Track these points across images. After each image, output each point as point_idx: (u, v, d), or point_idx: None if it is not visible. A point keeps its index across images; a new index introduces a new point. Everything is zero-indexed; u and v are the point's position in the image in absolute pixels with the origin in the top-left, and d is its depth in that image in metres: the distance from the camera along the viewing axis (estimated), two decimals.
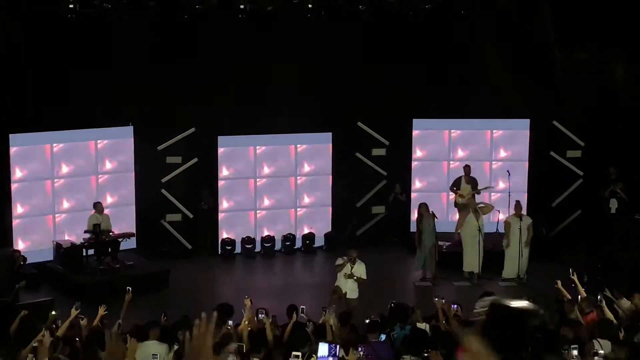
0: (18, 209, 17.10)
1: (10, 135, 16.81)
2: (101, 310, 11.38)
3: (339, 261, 14.39)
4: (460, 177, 18.67)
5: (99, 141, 17.94)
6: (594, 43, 19.72)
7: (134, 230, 17.77)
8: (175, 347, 9.98)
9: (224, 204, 18.89)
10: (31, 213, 17.29)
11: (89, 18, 17.73)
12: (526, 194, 19.13)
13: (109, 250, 16.84)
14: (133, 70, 18.14)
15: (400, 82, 19.43)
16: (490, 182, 19.02)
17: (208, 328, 3.76)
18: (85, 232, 16.67)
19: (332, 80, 19.27)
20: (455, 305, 11.77)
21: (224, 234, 18.86)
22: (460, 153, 19.67)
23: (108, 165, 18.11)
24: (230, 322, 10.72)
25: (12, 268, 15.14)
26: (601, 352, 9.27)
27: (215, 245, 18.88)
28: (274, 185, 19.25)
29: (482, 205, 17.69)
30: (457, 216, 18.75)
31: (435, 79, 19.64)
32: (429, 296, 13.20)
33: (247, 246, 18.92)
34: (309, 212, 19.53)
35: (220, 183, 18.81)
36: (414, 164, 19.75)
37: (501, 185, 19.01)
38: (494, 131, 19.69)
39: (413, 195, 19.66)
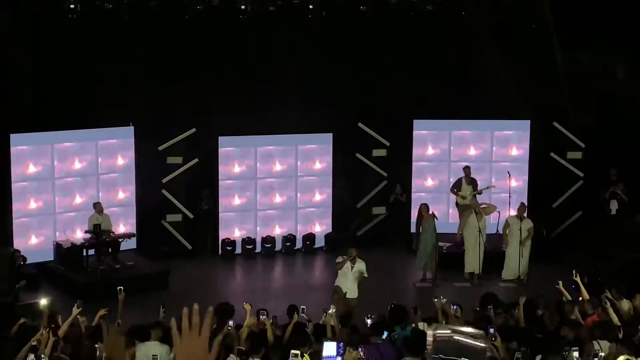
0: (18, 209, 17.09)
1: (11, 135, 16.80)
2: (101, 312, 11.37)
3: (339, 259, 14.41)
4: (460, 179, 18.68)
5: (99, 141, 17.92)
6: (595, 44, 19.74)
7: (134, 231, 17.77)
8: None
9: (224, 205, 18.88)
10: (32, 213, 17.28)
11: (90, 18, 17.71)
12: (527, 195, 19.13)
13: (110, 250, 16.85)
14: (134, 71, 18.14)
15: (401, 82, 19.44)
16: (491, 182, 19.03)
17: (203, 326, 3.69)
18: (86, 232, 16.68)
19: (333, 81, 19.27)
20: (455, 306, 11.75)
21: (224, 235, 18.85)
22: (461, 154, 19.65)
23: (109, 166, 18.09)
24: (230, 323, 10.70)
25: (12, 268, 15.13)
26: (601, 354, 9.26)
27: (215, 246, 18.87)
28: (274, 185, 19.24)
29: (485, 205, 17.69)
30: (458, 217, 18.77)
31: (436, 79, 19.65)
32: (429, 297, 13.19)
33: (248, 247, 18.91)
34: (310, 212, 19.53)
35: (221, 183, 18.80)
36: (414, 164, 19.75)
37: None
38: (495, 132, 19.68)
39: (414, 195, 19.67)
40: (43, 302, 11.47)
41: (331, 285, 14.79)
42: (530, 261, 17.13)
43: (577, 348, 8.91)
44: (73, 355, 9.86)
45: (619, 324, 10.80)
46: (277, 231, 19.22)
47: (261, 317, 11.38)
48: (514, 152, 19.61)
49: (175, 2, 18.24)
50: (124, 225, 18.02)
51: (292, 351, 8.61)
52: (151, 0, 17.96)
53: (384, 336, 10.57)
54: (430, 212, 17.07)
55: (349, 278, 14.25)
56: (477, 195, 18.37)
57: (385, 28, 19.61)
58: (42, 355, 9.04)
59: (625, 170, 19.08)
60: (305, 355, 9.14)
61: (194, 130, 18.64)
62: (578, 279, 12.54)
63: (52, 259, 17.01)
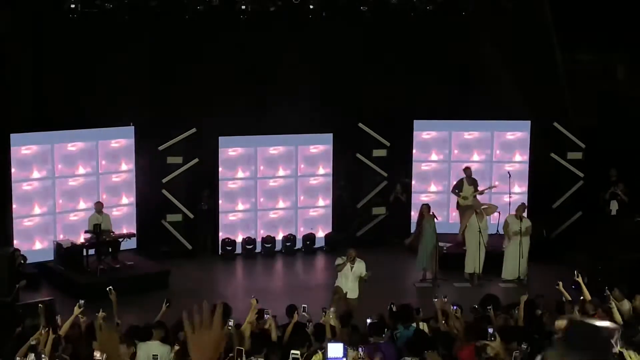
0: (18, 209, 17.09)
1: (11, 135, 16.80)
2: (100, 316, 11.36)
3: (339, 261, 14.40)
4: (461, 179, 18.67)
5: (100, 141, 17.92)
6: (595, 45, 19.75)
7: (134, 230, 17.77)
8: (176, 347, 9.97)
9: (224, 205, 18.88)
10: (32, 213, 17.28)
11: (91, 18, 17.72)
12: (527, 196, 19.13)
13: (110, 250, 16.85)
14: (134, 70, 18.14)
15: (401, 83, 19.45)
16: (492, 182, 19.04)
17: (215, 318, 3.71)
18: (86, 232, 16.68)
19: (333, 81, 19.29)
20: (455, 307, 11.75)
21: (224, 235, 18.86)
22: (461, 154, 19.66)
23: (108, 165, 18.10)
24: (230, 322, 10.69)
25: (12, 268, 15.13)
26: None
27: (215, 246, 18.88)
28: (274, 185, 19.24)
29: (486, 206, 17.71)
30: (458, 218, 18.78)
31: (436, 80, 19.66)
32: (429, 297, 13.19)
33: (248, 247, 18.92)
34: (309, 212, 19.53)
35: (221, 184, 18.80)
36: (414, 164, 19.75)
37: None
38: (495, 132, 19.68)
39: (413, 195, 19.69)
40: (40, 306, 11.48)
41: (331, 285, 14.79)
42: (530, 261, 17.13)
43: None
44: (74, 355, 9.86)
45: (621, 323, 10.80)
46: (278, 229, 19.24)
47: (266, 315, 11.38)
48: (517, 157, 19.60)
49: (175, 2, 18.25)
50: (123, 225, 17.99)
51: (292, 352, 8.62)
52: (151, 0, 17.96)
53: (384, 336, 10.57)
54: (431, 213, 17.07)
55: (350, 278, 14.26)
56: (478, 196, 18.39)
57: (385, 28, 19.61)
58: (43, 355, 9.04)
59: (625, 170, 19.08)
60: (319, 353, 9.12)
61: (194, 130, 18.63)
62: (580, 279, 12.53)
63: (52, 258, 17.01)
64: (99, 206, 17.00)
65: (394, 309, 12.05)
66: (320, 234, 19.43)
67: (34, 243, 17.20)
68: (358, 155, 19.73)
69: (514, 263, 16.99)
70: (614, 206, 18.71)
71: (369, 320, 11.28)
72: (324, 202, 19.55)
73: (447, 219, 19.34)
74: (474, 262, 17.05)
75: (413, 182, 19.80)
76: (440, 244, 17.49)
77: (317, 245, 19.35)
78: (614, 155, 19.21)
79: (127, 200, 18.34)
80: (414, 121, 19.53)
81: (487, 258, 17.04)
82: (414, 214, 18.83)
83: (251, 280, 17.86)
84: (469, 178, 18.60)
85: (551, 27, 19.66)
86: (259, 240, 19.04)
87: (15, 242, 16.76)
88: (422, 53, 19.59)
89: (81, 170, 17.77)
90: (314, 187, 19.49)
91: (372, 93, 19.52)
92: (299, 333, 10.55)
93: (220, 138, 18.60)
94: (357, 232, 19.69)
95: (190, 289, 16.53)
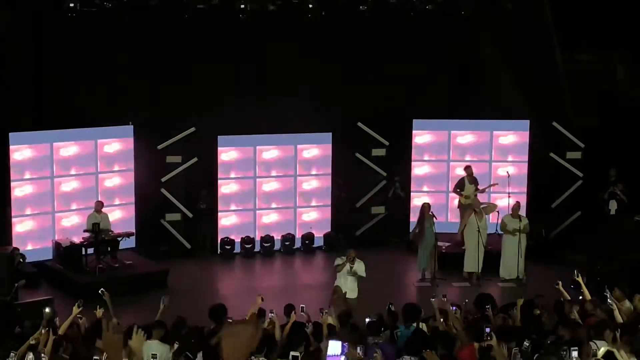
0: (18, 208, 17.09)
1: (10, 134, 16.80)
2: (98, 313, 11.36)
3: (338, 261, 14.39)
4: (463, 178, 18.65)
5: (98, 140, 17.92)
6: (595, 45, 19.75)
7: (133, 230, 17.77)
8: (175, 346, 9.96)
9: (223, 204, 18.88)
10: (31, 212, 17.27)
11: (90, 17, 17.72)
12: (526, 195, 19.13)
13: (109, 249, 16.84)
14: (134, 70, 18.13)
15: (401, 82, 19.45)
16: (491, 181, 19.04)
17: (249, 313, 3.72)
18: (85, 231, 16.67)
19: (332, 80, 19.28)
20: (455, 307, 11.73)
21: (223, 234, 18.86)
22: (461, 154, 19.66)
23: (108, 165, 18.10)
24: (230, 321, 10.68)
25: (11, 267, 15.12)
26: (600, 352, 9.25)
27: (214, 245, 18.87)
28: (273, 185, 19.24)
29: (485, 205, 17.72)
30: (459, 217, 18.79)
31: (436, 79, 19.67)
32: (428, 296, 13.17)
33: (247, 246, 18.92)
34: (309, 212, 19.53)
35: (220, 183, 18.80)
36: (414, 164, 19.75)
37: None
38: (494, 132, 19.67)
39: (413, 195, 19.70)
40: (47, 310, 11.45)
41: (330, 284, 14.79)
42: (529, 261, 17.13)
43: (576, 348, 8.89)
44: (73, 355, 9.85)
45: (621, 321, 10.80)
46: (277, 229, 19.25)
47: (270, 315, 11.37)
48: (514, 152, 19.59)
49: (175, 1, 18.24)
50: (122, 225, 17.98)
51: (292, 353, 8.60)
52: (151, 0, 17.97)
53: (382, 335, 10.56)
54: (430, 212, 17.07)
55: (349, 278, 14.25)
56: (479, 195, 18.39)
57: (385, 28, 19.61)
58: (43, 355, 9.03)
59: (624, 170, 19.08)
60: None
61: (193, 129, 18.64)
62: (580, 279, 12.52)
63: (51, 257, 17.00)
64: (98, 205, 16.99)
65: (392, 308, 12.05)
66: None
67: (32, 242, 17.18)
68: (357, 154, 19.73)
69: (512, 262, 16.98)
70: (613, 206, 18.71)
71: (367, 320, 11.28)
72: (322, 202, 19.53)
73: (447, 218, 19.33)
74: (473, 261, 17.05)
75: (412, 182, 19.79)
76: (439, 243, 17.50)
77: (316, 244, 19.35)
78: (613, 155, 19.21)
79: (126, 199, 18.31)
80: (413, 121, 19.53)
81: (486, 257, 17.04)
82: (413, 214, 18.84)
83: (250, 279, 17.84)
84: (470, 177, 18.58)
85: (551, 27, 19.67)
86: (257, 239, 19.04)
87: (14, 241, 16.75)
88: (421, 53, 19.59)
89: (80, 169, 17.76)
90: (312, 187, 19.47)
91: (372, 92, 19.52)
92: (296, 333, 10.53)
93: (219, 137, 18.60)
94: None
95: (189, 288, 16.56)
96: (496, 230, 18.04)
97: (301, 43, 19.14)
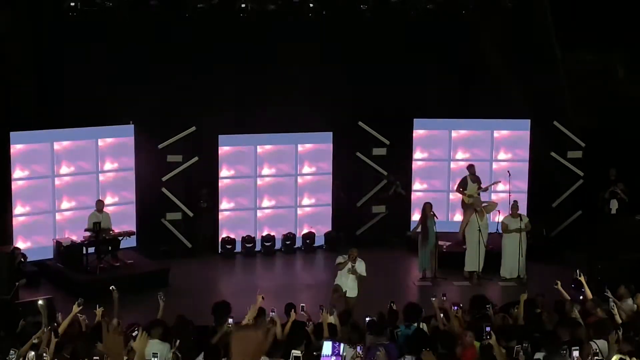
0: (18, 207, 17.11)
1: (11, 133, 16.81)
2: (99, 311, 11.38)
3: (340, 259, 14.40)
4: (465, 177, 18.64)
5: (99, 139, 17.93)
6: (595, 44, 19.74)
7: (134, 229, 17.78)
8: (177, 343, 9.97)
9: (224, 204, 18.90)
10: (32, 211, 17.28)
11: (91, 16, 17.72)
12: (527, 195, 19.14)
13: (109, 248, 16.85)
14: (134, 69, 18.14)
15: (401, 81, 19.44)
16: (492, 179, 19.03)
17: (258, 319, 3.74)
18: (86, 230, 16.68)
19: (333, 80, 19.27)
20: (456, 307, 11.73)
21: (224, 233, 18.87)
22: (461, 153, 19.67)
23: (109, 164, 18.11)
24: (230, 321, 10.70)
25: (12, 266, 15.13)
26: (599, 353, 9.26)
27: (215, 244, 18.88)
28: (274, 184, 19.26)
29: (486, 204, 17.74)
30: (459, 216, 18.81)
31: (436, 78, 19.66)
32: (428, 295, 13.19)
33: (248, 245, 18.93)
34: (309, 211, 19.54)
35: (221, 182, 18.82)
36: (415, 164, 19.75)
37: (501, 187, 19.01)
38: (495, 131, 19.68)
39: (414, 194, 19.71)
40: (40, 302, 11.47)
41: (331, 284, 14.79)
42: (530, 260, 17.13)
43: (577, 347, 8.91)
44: (73, 354, 9.86)
45: (620, 322, 10.80)
46: (278, 228, 19.25)
47: (272, 313, 11.39)
48: (514, 151, 19.59)
49: (176, 0, 18.26)
50: (123, 224, 17.99)
51: (294, 351, 8.62)
52: None
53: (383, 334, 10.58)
54: (431, 212, 17.08)
55: (350, 277, 14.26)
56: (481, 193, 18.39)
57: (385, 27, 19.61)
58: (45, 354, 9.04)
59: (625, 169, 19.09)
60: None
61: (193, 128, 18.64)
62: (582, 278, 12.53)
63: (52, 257, 17.01)
64: (99, 205, 17.00)
65: (394, 307, 12.06)
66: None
67: (33, 241, 17.19)
68: (358, 154, 19.74)
69: (512, 261, 16.99)
70: (613, 205, 18.72)
71: (367, 319, 11.30)
72: (323, 201, 19.54)
73: (447, 217, 19.34)
74: (473, 261, 17.05)
75: (413, 181, 19.80)
76: (440, 242, 17.51)
77: (316, 243, 19.35)
78: (614, 155, 19.21)
79: (127, 198, 18.33)
80: (414, 120, 19.53)
81: (486, 257, 17.04)
82: (414, 213, 18.86)
83: (251, 278, 17.84)
84: (473, 175, 18.57)
85: (551, 27, 19.66)
86: (258, 238, 19.05)
87: (14, 240, 16.76)
88: (422, 52, 19.58)
89: (81, 168, 17.77)
90: (313, 186, 19.49)
91: (372, 92, 19.51)
92: (297, 332, 10.54)
93: (219, 136, 18.61)
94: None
95: (190, 288, 16.57)
96: (497, 229, 18.05)
97: (302, 42, 19.13)
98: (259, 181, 19.12)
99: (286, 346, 9.50)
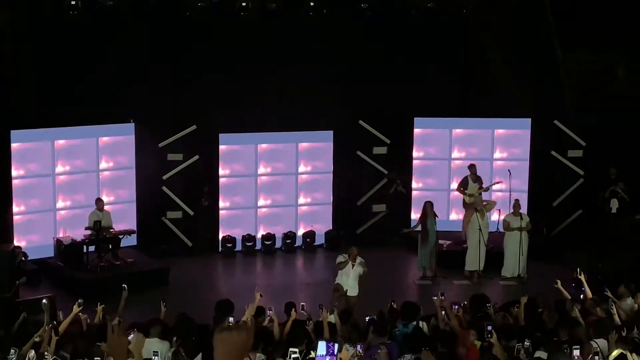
0: (19, 206, 17.11)
1: (12, 132, 16.81)
2: (100, 309, 11.39)
3: (341, 259, 14.40)
4: (466, 177, 18.63)
5: (100, 138, 17.94)
6: (596, 43, 19.74)
7: (134, 227, 17.78)
8: (178, 342, 9.98)
9: (224, 202, 18.91)
10: (32, 210, 17.29)
11: (91, 14, 17.73)
12: (527, 194, 19.15)
13: (110, 247, 16.86)
14: (135, 67, 18.15)
15: (402, 80, 19.45)
16: (492, 179, 19.04)
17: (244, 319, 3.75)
18: (86, 229, 16.69)
19: (334, 79, 19.28)
20: (457, 306, 11.74)
21: (224, 232, 18.88)
22: (462, 152, 19.67)
23: (109, 162, 18.12)
24: (231, 319, 10.71)
25: (13, 264, 15.14)
26: (612, 355, 9.27)
27: (215, 243, 18.89)
28: (274, 183, 19.27)
29: (485, 202, 17.75)
30: (459, 215, 18.80)
31: (437, 77, 19.67)
32: (429, 294, 13.20)
33: (248, 244, 18.94)
34: (310, 210, 19.55)
35: (222, 181, 18.82)
36: (415, 162, 19.76)
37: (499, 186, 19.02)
38: (495, 130, 19.68)
39: (415, 193, 19.72)
40: (44, 301, 11.47)
41: (331, 282, 14.80)
42: (530, 259, 17.14)
43: (578, 346, 8.92)
44: (74, 352, 9.87)
45: (619, 324, 10.81)
46: (278, 227, 19.26)
47: (269, 312, 11.40)
48: (515, 150, 19.60)
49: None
50: (124, 222, 18.00)
51: (291, 349, 8.61)
52: None
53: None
54: (432, 211, 17.07)
55: (350, 276, 14.28)
56: (482, 193, 18.41)
57: (386, 25, 19.62)
58: (46, 353, 9.05)
59: (625, 169, 19.10)
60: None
61: (194, 127, 18.65)
62: (582, 277, 12.54)
63: (52, 255, 17.02)
64: (100, 203, 17.01)
65: (395, 306, 12.07)
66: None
67: (33, 239, 17.20)
68: (358, 152, 19.75)
69: (514, 260, 17.00)
70: (614, 204, 18.73)
71: (367, 318, 11.31)
72: (323, 200, 19.55)
73: (447, 216, 19.35)
74: (474, 260, 17.06)
75: (413, 180, 19.81)
76: (440, 241, 17.52)
77: (317, 242, 19.37)
78: (614, 154, 19.22)
79: (128, 197, 18.33)
80: (415, 119, 19.54)
81: (487, 256, 17.05)
82: (414, 212, 18.87)
83: (251, 277, 17.85)
84: (474, 175, 18.58)
85: (551, 26, 19.67)
86: (258, 237, 19.06)
87: (15, 238, 16.77)
88: (423, 51, 19.59)
89: (81, 167, 17.78)
90: (313, 185, 19.50)
91: (373, 91, 19.52)
92: (297, 331, 10.55)
93: (220, 135, 18.62)
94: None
95: (190, 286, 16.57)
96: (497, 228, 18.06)
97: (302, 41, 19.14)
98: (259, 179, 19.12)
99: (286, 345, 9.50)
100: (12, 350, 8.75)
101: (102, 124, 17.93)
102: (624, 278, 13.21)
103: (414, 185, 19.86)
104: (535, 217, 17.96)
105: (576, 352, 8.80)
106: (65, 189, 17.62)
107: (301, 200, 19.50)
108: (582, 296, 12.38)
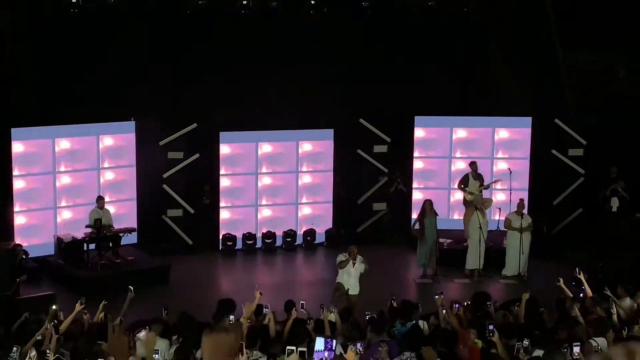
0: (19, 204, 17.12)
1: (13, 130, 16.82)
2: (102, 306, 11.40)
3: (341, 257, 14.40)
4: (467, 175, 18.64)
5: (101, 136, 17.94)
6: (596, 43, 19.76)
7: (135, 225, 17.80)
8: (176, 341, 9.99)
9: (225, 201, 18.92)
10: (32, 208, 17.30)
11: (92, 13, 17.74)
12: (528, 192, 19.15)
13: (110, 245, 16.87)
14: (135, 65, 18.16)
15: (402, 79, 19.47)
16: (492, 177, 19.04)
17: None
18: (87, 226, 16.69)
19: (334, 77, 19.30)
20: (457, 305, 11.76)
21: (224, 230, 18.89)
22: (462, 151, 19.67)
23: (110, 161, 18.12)
24: (231, 317, 10.73)
25: (14, 262, 15.16)
26: (600, 350, 9.29)
27: (216, 241, 18.90)
28: (275, 181, 19.27)
29: (483, 200, 17.77)
30: (460, 214, 18.81)
31: (437, 76, 19.68)
32: (429, 293, 13.22)
33: (248, 242, 18.95)
34: (310, 208, 19.56)
35: (222, 179, 18.83)
36: (415, 161, 19.77)
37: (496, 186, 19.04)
38: (496, 129, 19.68)
39: (415, 191, 19.73)
40: (54, 307, 11.48)
41: (332, 281, 14.81)
42: (531, 258, 17.16)
43: (578, 344, 8.94)
44: (74, 350, 9.88)
45: (618, 325, 10.82)
46: (279, 225, 19.27)
47: (265, 310, 11.41)
48: (515, 149, 19.60)
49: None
50: (124, 220, 18.01)
51: (288, 347, 8.62)
52: None
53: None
54: (432, 209, 17.09)
55: (351, 275, 14.29)
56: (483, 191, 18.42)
57: (387, 24, 19.63)
58: (48, 351, 9.06)
59: (626, 167, 19.11)
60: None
61: (195, 125, 18.66)
62: (582, 276, 12.55)
63: (52, 253, 17.02)
64: (100, 201, 17.01)
65: (395, 304, 12.08)
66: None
67: (34, 237, 17.21)
68: (359, 151, 19.76)
69: (514, 259, 17.01)
70: (614, 203, 18.75)
71: (367, 316, 11.33)
72: (324, 199, 19.57)
73: (448, 215, 19.35)
74: (474, 258, 17.08)
75: (413, 180, 19.82)
76: (441, 240, 17.53)
77: (317, 241, 19.38)
78: (615, 152, 19.24)
79: (128, 195, 18.34)
80: (415, 117, 19.54)
81: (487, 254, 17.06)
82: (415, 211, 18.87)
83: (251, 275, 17.86)
84: (475, 173, 18.59)
85: (551, 26, 19.69)
86: (259, 235, 19.07)
87: (15, 236, 16.78)
88: (423, 49, 19.60)
89: (82, 165, 17.78)
90: (314, 183, 19.51)
91: (373, 89, 19.54)
92: (298, 329, 10.56)
93: (220, 133, 18.63)
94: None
95: (190, 284, 16.58)
96: (497, 227, 18.07)
97: (303, 39, 19.15)
98: (260, 179, 19.13)
99: (287, 344, 9.51)
100: (14, 348, 8.75)
101: (103, 122, 17.89)
102: (624, 277, 13.23)
103: (414, 184, 19.85)
104: (536, 215, 17.96)
105: (576, 349, 8.81)
106: (66, 188, 17.60)
107: (301, 199, 19.48)
108: (582, 295, 12.39)
